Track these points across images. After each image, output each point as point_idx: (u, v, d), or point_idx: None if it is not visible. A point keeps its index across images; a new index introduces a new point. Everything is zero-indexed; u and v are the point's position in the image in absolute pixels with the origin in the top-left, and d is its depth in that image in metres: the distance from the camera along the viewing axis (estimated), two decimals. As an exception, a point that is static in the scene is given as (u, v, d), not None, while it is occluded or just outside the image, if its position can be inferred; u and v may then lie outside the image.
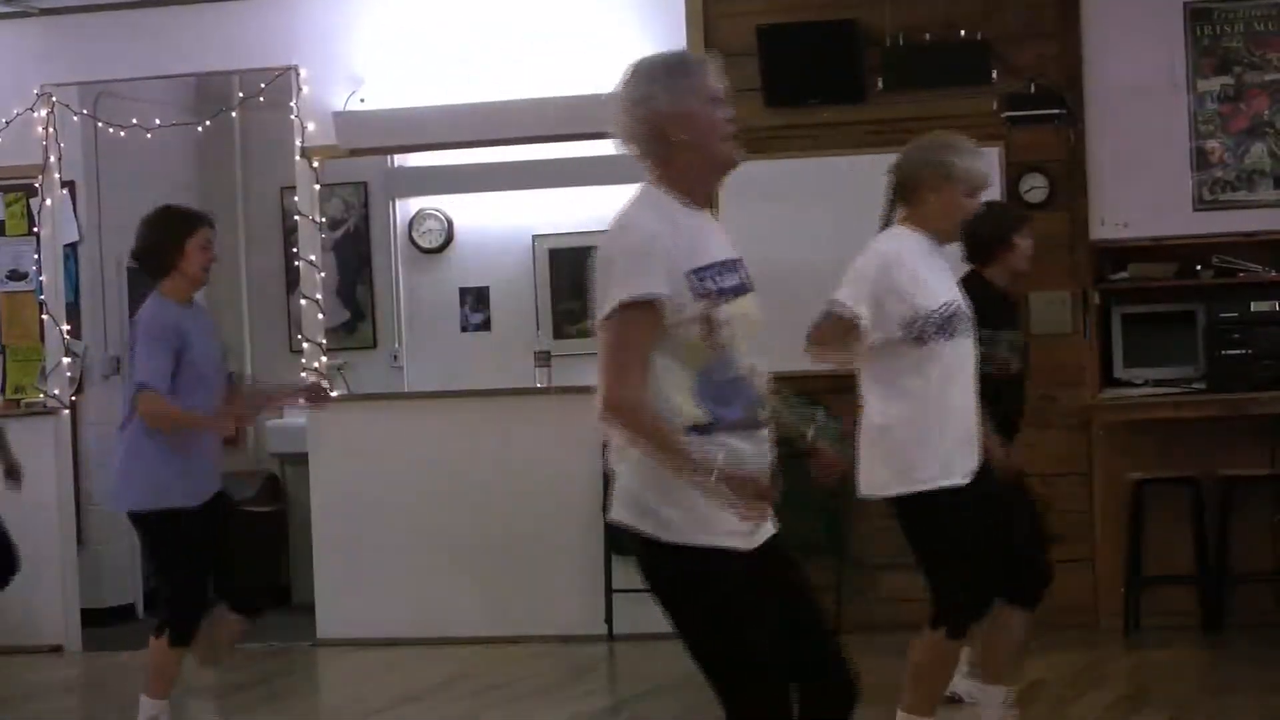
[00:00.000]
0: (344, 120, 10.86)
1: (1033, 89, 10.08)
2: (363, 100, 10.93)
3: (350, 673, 10.13)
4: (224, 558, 7.77)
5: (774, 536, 4.55)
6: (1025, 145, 10.16)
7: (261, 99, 11.34)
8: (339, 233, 12.37)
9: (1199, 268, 10.03)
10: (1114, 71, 10.10)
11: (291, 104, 11.00)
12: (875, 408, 6.27)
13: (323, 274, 11.26)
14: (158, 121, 11.62)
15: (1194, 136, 10.07)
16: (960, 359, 6.27)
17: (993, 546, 6.46)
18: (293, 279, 11.84)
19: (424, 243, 11.99)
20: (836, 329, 6.20)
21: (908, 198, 6.36)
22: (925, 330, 6.17)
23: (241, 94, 11.76)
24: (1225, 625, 9.85)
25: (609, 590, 10.41)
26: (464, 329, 12.01)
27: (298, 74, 10.96)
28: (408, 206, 12.06)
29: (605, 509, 10.30)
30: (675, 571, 4.43)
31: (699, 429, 4.38)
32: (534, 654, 10.12)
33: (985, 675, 7.20)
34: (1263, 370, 9.79)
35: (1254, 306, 9.88)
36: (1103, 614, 10.02)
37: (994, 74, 10.13)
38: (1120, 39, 10.10)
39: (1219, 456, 9.87)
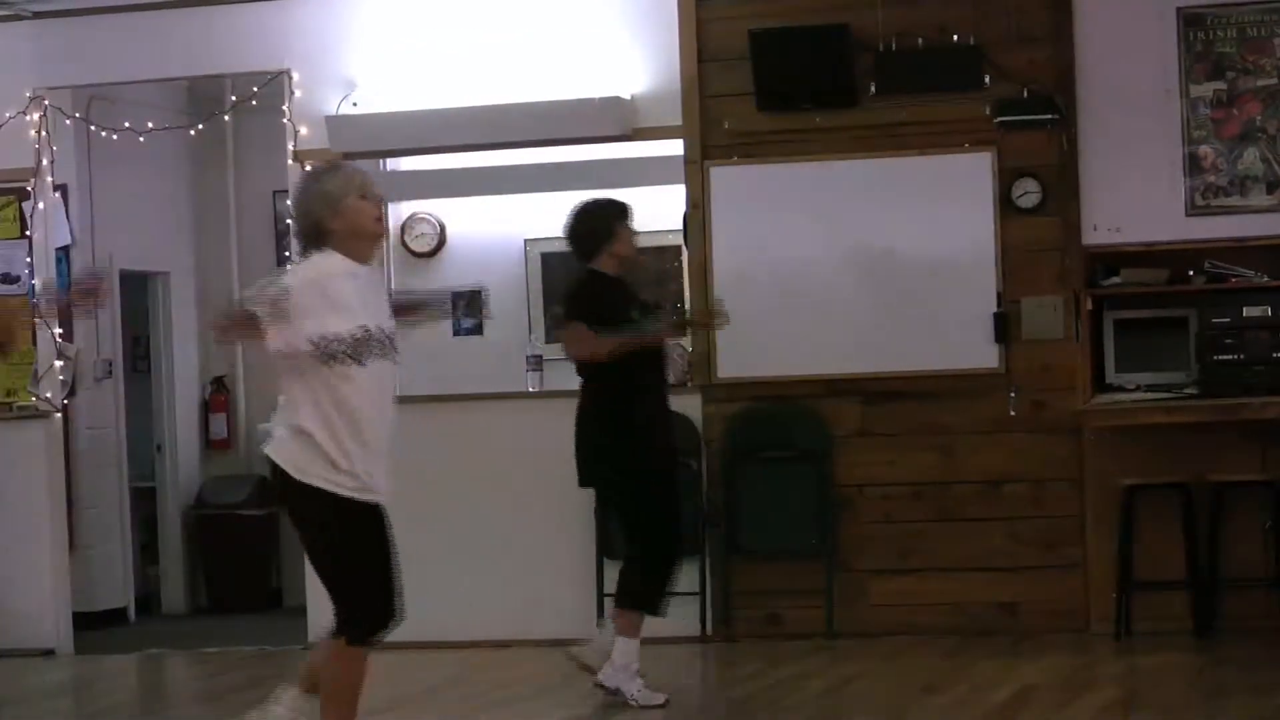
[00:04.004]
0: (336, 124, 10.86)
1: (1025, 93, 10.09)
2: (355, 104, 10.92)
3: (342, 677, 10.09)
4: None
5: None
6: (1018, 150, 10.16)
7: (254, 103, 11.35)
8: (331, 236, 12.34)
9: (1191, 273, 10.04)
10: (1107, 76, 10.10)
11: (284, 108, 10.99)
12: None
13: (315, 278, 11.23)
14: (150, 125, 11.62)
15: (1187, 142, 10.07)
16: None
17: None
18: (285, 283, 11.79)
19: (416, 247, 11.96)
20: None
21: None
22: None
23: (234, 98, 11.76)
24: (1216, 630, 9.85)
25: (600, 594, 10.41)
26: (456, 333, 11.98)
27: (290, 78, 10.96)
28: (400, 210, 12.03)
29: (596, 513, 10.38)
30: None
31: None
32: (526, 657, 10.11)
33: None
34: (1254, 375, 9.80)
35: (1246, 312, 9.89)
36: (1094, 619, 10.02)
37: (986, 78, 10.13)
38: (1113, 44, 10.11)
39: (1210, 461, 9.87)
